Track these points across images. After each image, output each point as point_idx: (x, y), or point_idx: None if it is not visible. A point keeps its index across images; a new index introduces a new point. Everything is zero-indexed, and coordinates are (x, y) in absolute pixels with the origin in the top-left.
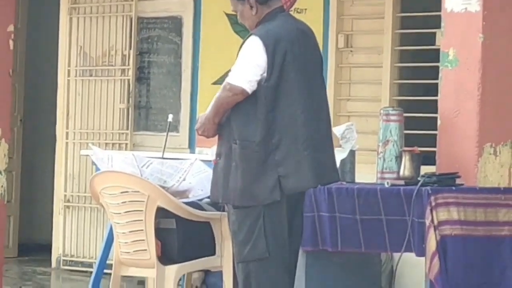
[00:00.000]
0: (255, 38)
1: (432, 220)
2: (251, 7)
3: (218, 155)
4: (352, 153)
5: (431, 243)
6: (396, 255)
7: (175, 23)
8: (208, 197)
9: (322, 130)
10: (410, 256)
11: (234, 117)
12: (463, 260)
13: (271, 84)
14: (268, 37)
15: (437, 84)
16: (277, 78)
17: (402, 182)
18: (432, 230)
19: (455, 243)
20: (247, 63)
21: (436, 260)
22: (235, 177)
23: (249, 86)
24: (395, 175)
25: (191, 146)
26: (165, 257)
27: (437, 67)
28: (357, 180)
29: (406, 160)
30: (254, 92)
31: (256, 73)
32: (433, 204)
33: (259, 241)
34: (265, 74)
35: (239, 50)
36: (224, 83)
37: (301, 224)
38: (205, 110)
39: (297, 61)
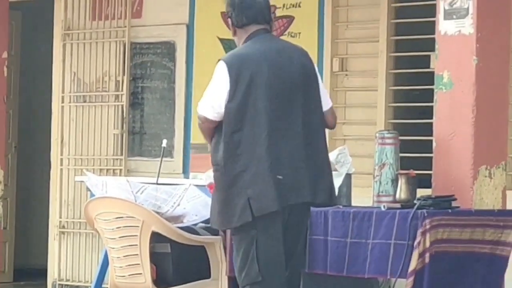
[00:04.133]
0: (220, 63)
1: (419, 242)
2: (231, 28)
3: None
4: (348, 176)
5: (412, 264)
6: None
7: (168, 48)
8: (203, 222)
9: (293, 151)
10: None
11: (212, 144)
12: (439, 278)
13: (234, 104)
14: (232, 59)
15: (432, 106)
16: (241, 98)
17: (398, 205)
18: (417, 251)
19: (434, 262)
20: (211, 91)
21: (411, 280)
22: (213, 202)
23: (213, 113)
24: (391, 198)
25: (185, 171)
26: (160, 281)
27: (432, 89)
28: (353, 204)
29: (402, 183)
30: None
31: (219, 99)
32: (427, 226)
33: (252, 266)
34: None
35: None
36: None
37: (303, 246)
38: (199, 134)
39: (266, 81)
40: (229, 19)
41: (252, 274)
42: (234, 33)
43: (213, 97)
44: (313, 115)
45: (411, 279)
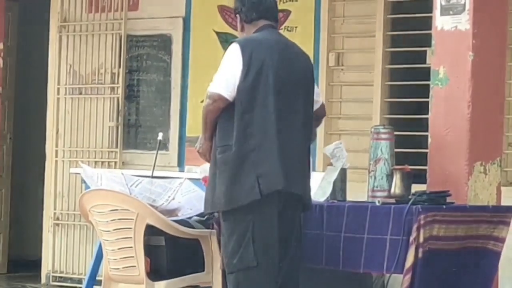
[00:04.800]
0: (233, 44)
1: (415, 238)
2: (239, 24)
3: (210, 165)
4: (343, 171)
5: (409, 260)
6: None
7: (165, 41)
8: (197, 215)
9: (295, 144)
10: None
11: (218, 127)
12: (433, 275)
13: (247, 85)
14: (247, 41)
15: (427, 102)
16: (253, 79)
17: (393, 200)
18: (413, 247)
19: (429, 258)
20: (224, 70)
21: (408, 277)
22: (219, 183)
23: (226, 91)
24: (386, 193)
25: (181, 164)
26: (154, 274)
27: (428, 85)
28: (348, 199)
29: (397, 179)
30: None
31: (233, 78)
32: (421, 222)
33: (247, 250)
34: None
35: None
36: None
37: (298, 234)
38: (194, 128)
39: (276, 69)
40: (237, 16)
41: (247, 258)
42: (242, 29)
43: (227, 76)
44: (308, 116)
45: (408, 275)
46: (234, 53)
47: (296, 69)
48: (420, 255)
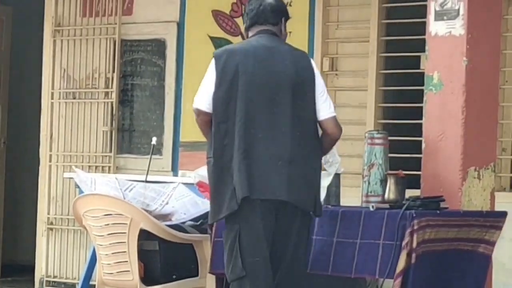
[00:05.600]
0: (212, 57)
1: (407, 243)
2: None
3: None
4: (337, 176)
5: (400, 264)
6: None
7: (159, 46)
8: (191, 220)
9: (275, 149)
10: None
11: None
12: (424, 278)
13: (220, 94)
14: (221, 52)
15: (421, 107)
16: (226, 88)
17: (387, 205)
18: (405, 252)
19: (420, 262)
20: (202, 83)
21: (398, 281)
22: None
23: (204, 104)
24: (380, 199)
25: (174, 169)
26: (148, 278)
27: (422, 90)
28: (342, 204)
29: (391, 184)
30: None
31: (208, 90)
32: (415, 227)
33: (236, 261)
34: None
35: None
36: None
37: (299, 241)
38: (188, 133)
39: (250, 73)
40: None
41: (236, 270)
42: (247, 36)
43: (203, 89)
44: (302, 120)
45: (398, 280)
46: (210, 66)
47: (279, 73)
48: (413, 260)
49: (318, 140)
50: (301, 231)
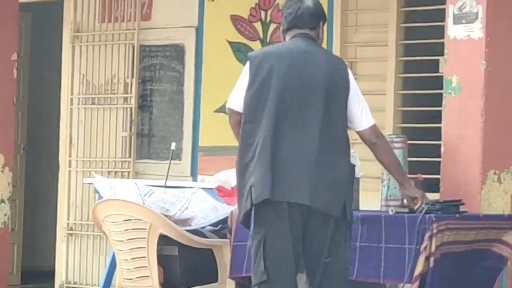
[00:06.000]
0: (247, 59)
1: (426, 247)
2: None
3: None
4: (356, 180)
5: (418, 268)
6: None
7: (178, 51)
8: (211, 225)
9: (302, 152)
10: None
11: None
12: (441, 279)
13: (250, 94)
14: (256, 52)
15: (440, 111)
16: (257, 89)
17: (406, 209)
18: (423, 256)
19: (438, 264)
20: (236, 84)
21: (416, 285)
22: None
23: (236, 104)
24: (399, 203)
25: (194, 174)
26: (168, 284)
27: (441, 94)
28: (361, 208)
29: None
30: None
31: (241, 89)
32: (434, 231)
33: (259, 265)
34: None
35: None
36: None
37: (335, 249)
38: (207, 137)
39: (283, 76)
40: (280, 28)
41: (258, 274)
42: (284, 39)
43: (237, 90)
44: (332, 126)
45: (416, 284)
46: (245, 66)
47: (312, 78)
48: (431, 264)
49: (348, 145)
50: (336, 236)
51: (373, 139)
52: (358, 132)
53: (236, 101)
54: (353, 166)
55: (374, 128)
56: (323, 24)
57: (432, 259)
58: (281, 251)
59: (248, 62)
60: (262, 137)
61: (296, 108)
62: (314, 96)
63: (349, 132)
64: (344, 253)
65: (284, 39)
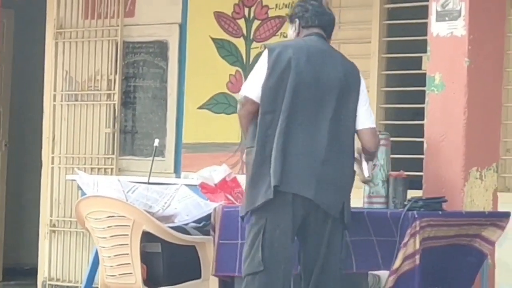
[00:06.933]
0: (264, 49)
1: (407, 243)
2: (295, 28)
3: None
4: None
5: (397, 262)
6: (383, 278)
7: (161, 48)
8: (194, 222)
9: (311, 147)
10: None
11: (249, 130)
12: (425, 274)
13: (269, 85)
14: (276, 45)
15: (423, 108)
16: (276, 80)
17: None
18: (402, 251)
19: (421, 260)
20: (252, 73)
21: (393, 277)
22: (245, 186)
23: (252, 93)
24: (383, 199)
25: (177, 171)
26: (151, 281)
27: (424, 91)
28: None
29: (393, 184)
30: None
31: (259, 80)
32: (417, 228)
33: (256, 254)
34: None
35: None
36: None
37: (333, 247)
38: (191, 134)
39: (302, 70)
40: (295, 20)
41: (254, 263)
42: (298, 34)
43: (253, 79)
44: (341, 126)
45: (393, 276)
46: (262, 56)
47: (328, 76)
48: (417, 261)
49: (353, 149)
50: (333, 236)
51: (366, 141)
52: (358, 131)
53: (254, 90)
54: (355, 171)
55: (374, 131)
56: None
57: (417, 256)
58: (281, 241)
59: (266, 53)
60: (279, 129)
61: (310, 103)
62: (328, 94)
63: None
64: (340, 254)
65: (299, 33)
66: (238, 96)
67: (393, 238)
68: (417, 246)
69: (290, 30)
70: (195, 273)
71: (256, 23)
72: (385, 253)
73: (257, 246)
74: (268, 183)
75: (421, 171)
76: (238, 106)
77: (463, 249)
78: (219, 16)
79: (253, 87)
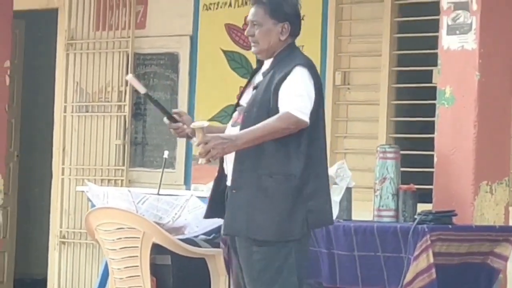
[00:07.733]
0: (304, 70)
1: (417, 256)
2: (282, 33)
3: (236, 187)
4: (348, 190)
5: (408, 276)
6: None
7: (172, 60)
8: (204, 234)
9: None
10: None
11: (271, 149)
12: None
13: (314, 113)
14: (313, 69)
15: (433, 121)
16: (317, 107)
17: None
18: (414, 264)
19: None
20: (305, 93)
21: None
22: (267, 211)
23: (308, 119)
24: (392, 213)
25: (187, 183)
26: None
27: (434, 104)
28: (353, 218)
29: (402, 198)
30: None
31: (311, 106)
32: (428, 242)
33: (290, 279)
34: None
35: (283, 80)
36: (286, 114)
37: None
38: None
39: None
40: (286, 22)
41: (290, 286)
42: (285, 39)
43: (308, 101)
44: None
45: None
46: (309, 80)
47: None
48: (433, 275)
49: None
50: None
51: None
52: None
53: (308, 115)
54: None
55: None
56: None
57: (433, 270)
58: (306, 264)
59: (310, 70)
60: (321, 160)
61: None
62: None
63: (344, 141)
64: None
65: (286, 38)
66: (294, 114)
67: (400, 254)
68: (431, 260)
69: (264, 27)
70: (205, 286)
71: None
72: (391, 270)
73: (289, 271)
74: (303, 216)
75: (431, 184)
76: (287, 124)
77: (476, 267)
78: (230, 28)
79: (308, 113)
